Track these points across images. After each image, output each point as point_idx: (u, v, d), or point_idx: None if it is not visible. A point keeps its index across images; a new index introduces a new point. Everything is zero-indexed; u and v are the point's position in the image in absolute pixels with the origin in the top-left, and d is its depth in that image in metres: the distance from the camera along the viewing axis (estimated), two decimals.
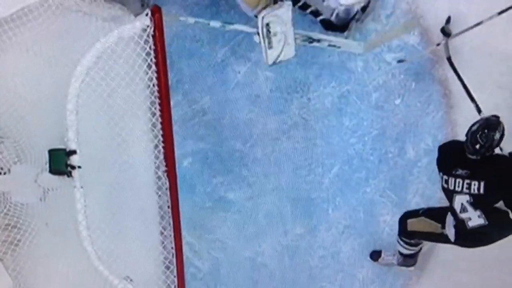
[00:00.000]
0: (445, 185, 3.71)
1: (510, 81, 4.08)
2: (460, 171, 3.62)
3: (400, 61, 4.25)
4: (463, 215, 3.69)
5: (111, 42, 2.97)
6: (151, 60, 3.12)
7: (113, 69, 3.11)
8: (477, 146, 3.51)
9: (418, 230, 4.01)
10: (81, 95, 3.00)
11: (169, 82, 3.29)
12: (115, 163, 3.34)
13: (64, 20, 3.23)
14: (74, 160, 3.12)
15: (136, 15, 3.19)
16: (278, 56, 3.87)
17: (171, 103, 3.33)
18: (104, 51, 2.98)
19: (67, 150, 3.10)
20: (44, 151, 3.21)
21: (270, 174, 4.48)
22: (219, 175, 4.51)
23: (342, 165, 4.43)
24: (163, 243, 3.53)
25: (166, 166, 3.38)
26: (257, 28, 3.79)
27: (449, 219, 3.83)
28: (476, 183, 3.59)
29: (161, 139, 3.31)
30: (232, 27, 3.88)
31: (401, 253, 4.32)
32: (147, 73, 3.15)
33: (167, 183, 3.41)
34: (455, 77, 4.07)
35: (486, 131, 3.50)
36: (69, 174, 3.16)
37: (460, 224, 3.75)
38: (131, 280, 3.43)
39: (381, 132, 4.43)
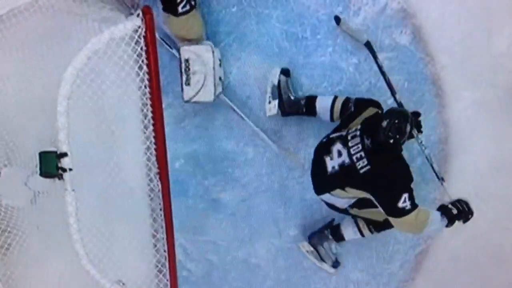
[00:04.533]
0: (350, 136, 3.68)
1: (503, 79, 4.09)
2: (368, 141, 3.60)
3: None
4: (334, 155, 3.76)
5: (102, 43, 2.93)
6: (142, 61, 3.09)
7: (104, 71, 3.08)
8: (391, 141, 3.51)
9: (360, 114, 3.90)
10: (72, 96, 2.96)
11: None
12: (106, 166, 3.30)
13: (55, 21, 3.20)
14: (65, 162, 3.06)
15: (127, 16, 3.16)
16: (194, 96, 3.86)
17: (163, 104, 3.31)
18: (95, 52, 2.93)
19: (58, 152, 3.06)
20: (35, 154, 3.17)
21: (262, 175, 4.47)
22: (211, 177, 4.49)
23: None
24: (155, 246, 3.50)
25: (158, 168, 3.35)
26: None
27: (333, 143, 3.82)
28: (366, 162, 3.59)
29: (153, 140, 3.28)
30: None
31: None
32: (139, 75, 3.11)
33: (159, 185, 3.39)
34: (446, 75, 4.09)
35: (396, 123, 3.50)
36: (60, 177, 3.12)
37: (325, 144, 3.84)
38: (123, 284, 3.39)
39: None
